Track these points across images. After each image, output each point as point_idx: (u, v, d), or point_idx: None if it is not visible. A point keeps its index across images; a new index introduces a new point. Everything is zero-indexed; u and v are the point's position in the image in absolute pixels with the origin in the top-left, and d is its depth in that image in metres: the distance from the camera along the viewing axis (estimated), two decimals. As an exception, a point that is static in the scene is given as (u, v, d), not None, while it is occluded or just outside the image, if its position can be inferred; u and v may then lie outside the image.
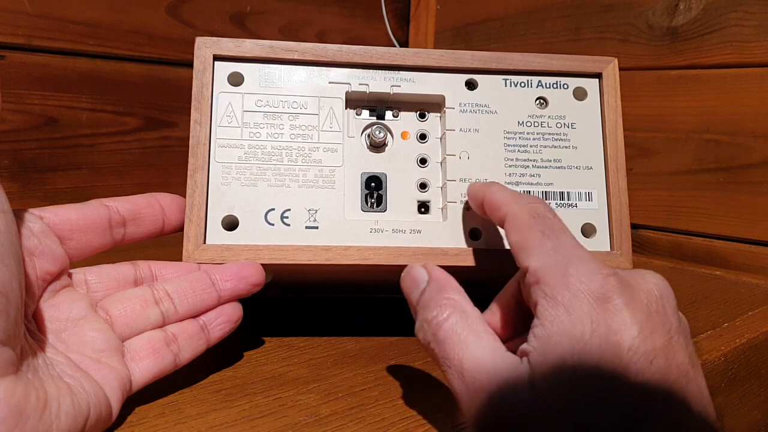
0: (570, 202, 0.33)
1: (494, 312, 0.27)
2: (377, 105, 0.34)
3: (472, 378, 0.21)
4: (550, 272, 0.22)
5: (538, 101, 0.34)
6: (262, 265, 0.29)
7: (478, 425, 0.21)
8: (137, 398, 0.26)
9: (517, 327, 0.26)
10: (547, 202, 0.33)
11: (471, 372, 0.21)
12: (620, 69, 0.34)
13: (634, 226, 0.65)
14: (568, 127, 0.34)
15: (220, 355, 0.30)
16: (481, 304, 0.29)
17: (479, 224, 0.32)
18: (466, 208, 0.32)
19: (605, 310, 0.21)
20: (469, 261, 0.31)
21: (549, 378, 0.20)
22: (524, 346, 0.22)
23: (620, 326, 0.20)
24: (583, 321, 0.21)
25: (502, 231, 0.31)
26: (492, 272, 0.32)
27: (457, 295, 0.24)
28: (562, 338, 0.21)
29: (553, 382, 0.20)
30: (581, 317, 0.21)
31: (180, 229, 0.30)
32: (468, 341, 0.22)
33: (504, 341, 0.26)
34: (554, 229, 0.24)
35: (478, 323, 0.23)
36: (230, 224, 0.31)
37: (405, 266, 0.30)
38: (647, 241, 0.64)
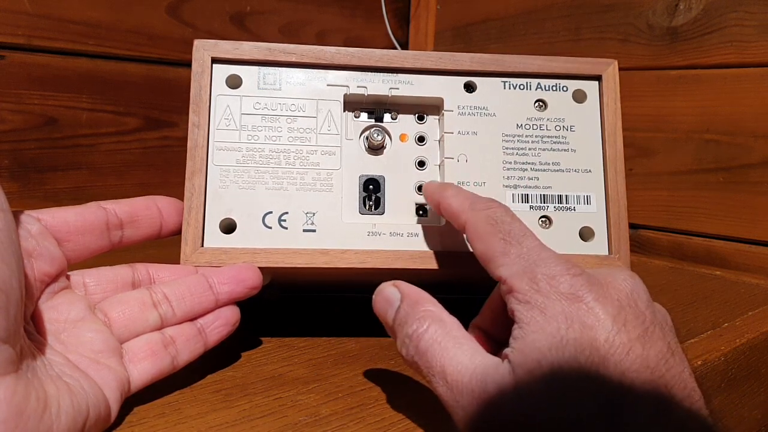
0: (568, 206, 0.33)
1: (484, 317, 0.28)
2: (375, 107, 0.34)
3: (455, 381, 0.22)
4: (519, 279, 0.23)
5: (537, 104, 0.34)
6: (259, 268, 0.29)
7: (467, 425, 0.21)
8: (137, 398, 0.26)
9: (507, 330, 0.26)
10: (544, 205, 0.33)
11: (453, 375, 0.22)
12: (620, 69, 0.34)
13: (634, 227, 0.65)
14: (567, 129, 0.34)
15: (220, 355, 0.30)
16: (478, 306, 0.30)
17: None
18: None
19: (577, 307, 0.21)
20: (468, 264, 0.31)
21: (530, 373, 0.21)
22: (505, 350, 0.22)
23: (594, 321, 0.21)
24: (557, 318, 0.21)
25: None
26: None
27: (432, 306, 0.24)
28: (539, 336, 0.21)
29: (534, 376, 0.21)
30: (555, 315, 0.21)
31: (178, 232, 0.30)
32: (448, 347, 0.23)
33: (495, 346, 0.26)
34: (515, 234, 0.24)
35: (456, 330, 0.23)
36: (228, 227, 0.31)
37: (404, 269, 0.31)
38: (647, 241, 0.64)
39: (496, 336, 0.27)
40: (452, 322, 0.24)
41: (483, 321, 0.28)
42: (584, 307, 0.21)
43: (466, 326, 0.30)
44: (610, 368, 0.20)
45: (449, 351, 0.22)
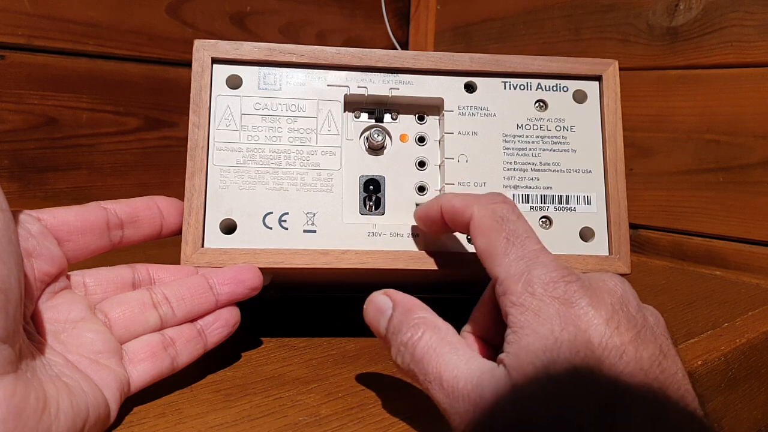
0: (568, 206, 0.33)
1: (476, 321, 0.27)
2: (376, 108, 0.34)
3: (451, 387, 0.22)
4: (515, 282, 0.23)
5: (537, 104, 0.34)
6: (259, 268, 0.29)
7: (465, 431, 0.21)
8: (137, 398, 0.26)
9: (499, 332, 0.26)
10: (544, 205, 0.33)
11: (449, 381, 0.22)
12: (620, 69, 0.34)
13: (634, 227, 0.65)
14: (567, 130, 0.34)
15: (220, 356, 0.30)
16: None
17: None
18: None
19: (571, 312, 0.22)
20: (468, 265, 0.31)
21: (525, 376, 0.21)
22: (500, 355, 0.22)
23: (587, 325, 0.21)
24: (551, 321, 0.21)
25: None
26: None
27: (426, 313, 0.24)
28: (533, 338, 0.21)
29: (529, 378, 0.21)
30: (549, 318, 0.21)
31: (178, 232, 0.30)
32: (444, 353, 0.23)
33: (490, 350, 0.26)
34: (518, 234, 0.24)
35: (451, 336, 0.23)
36: (228, 228, 0.31)
37: (404, 269, 0.31)
38: (647, 241, 0.64)
39: (489, 339, 0.27)
40: (447, 328, 0.24)
41: (475, 327, 0.28)
42: (578, 311, 0.21)
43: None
44: (605, 370, 0.20)
45: (445, 357, 0.22)
